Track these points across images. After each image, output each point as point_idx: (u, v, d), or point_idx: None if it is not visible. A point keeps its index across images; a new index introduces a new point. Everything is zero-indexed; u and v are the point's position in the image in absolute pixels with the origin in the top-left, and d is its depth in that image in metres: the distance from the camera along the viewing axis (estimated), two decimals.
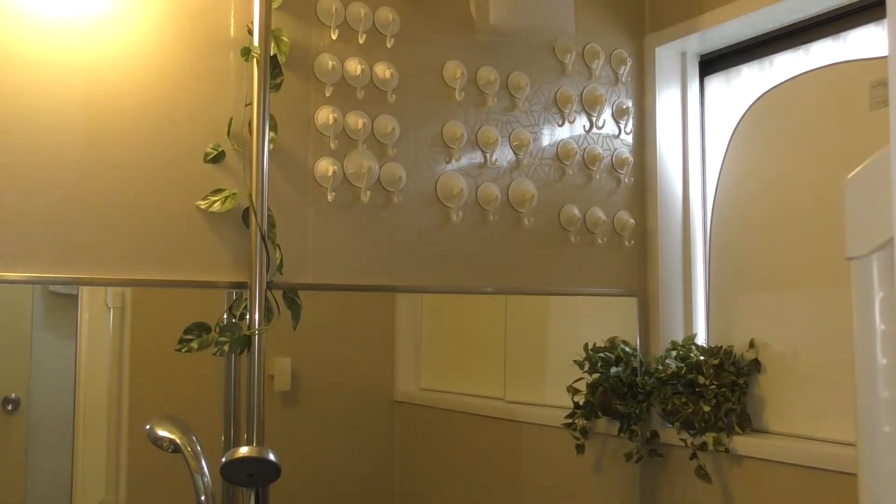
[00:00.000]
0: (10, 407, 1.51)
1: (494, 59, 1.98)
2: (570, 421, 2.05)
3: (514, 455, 2.22)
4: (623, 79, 2.18)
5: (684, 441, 1.96)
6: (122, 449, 1.65)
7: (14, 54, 1.49)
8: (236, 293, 1.62)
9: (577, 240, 2.07)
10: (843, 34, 1.95)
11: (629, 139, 2.19)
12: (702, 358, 2.00)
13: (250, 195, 1.61)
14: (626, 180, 2.16)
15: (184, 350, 1.50)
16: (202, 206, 1.61)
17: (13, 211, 1.47)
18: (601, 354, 2.07)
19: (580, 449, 2.04)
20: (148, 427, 1.52)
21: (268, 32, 1.63)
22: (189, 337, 1.52)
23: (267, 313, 1.60)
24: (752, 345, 1.97)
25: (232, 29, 1.66)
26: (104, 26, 1.56)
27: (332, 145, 1.74)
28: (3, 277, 1.45)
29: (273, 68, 1.64)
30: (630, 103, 2.19)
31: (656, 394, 2.00)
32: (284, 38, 1.68)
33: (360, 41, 1.78)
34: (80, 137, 1.52)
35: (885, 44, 1.74)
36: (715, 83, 2.25)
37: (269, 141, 1.63)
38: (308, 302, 1.69)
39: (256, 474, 1.45)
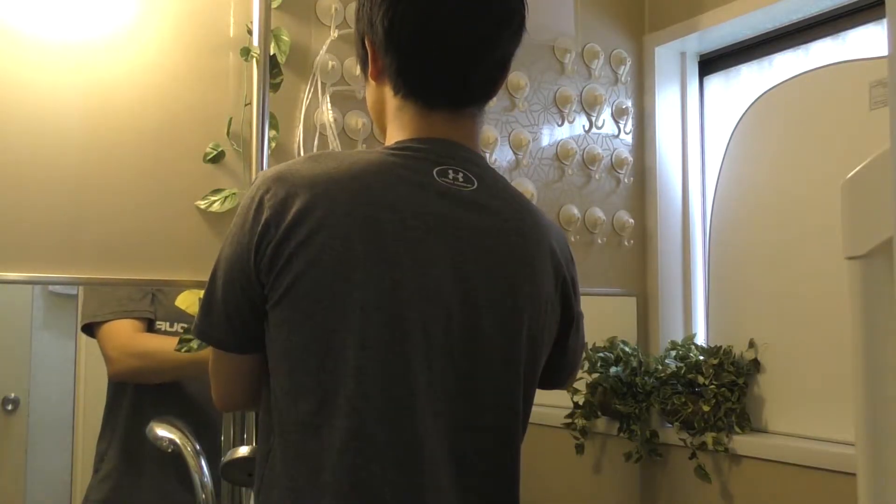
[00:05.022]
0: (10, 407, 1.51)
1: None
2: (570, 421, 2.05)
3: None
4: (622, 79, 2.18)
5: (684, 441, 1.96)
6: None
7: (14, 52, 1.49)
8: None
9: (576, 240, 2.07)
10: (842, 34, 1.95)
11: (628, 139, 2.19)
12: (701, 358, 2.01)
13: None
14: (626, 180, 2.17)
15: (183, 350, 1.50)
16: (202, 206, 1.61)
17: (13, 211, 1.47)
18: (600, 354, 2.07)
19: (580, 449, 2.04)
20: (148, 426, 1.53)
21: (267, 32, 1.63)
22: (189, 337, 1.52)
23: None
24: (751, 344, 1.97)
25: (231, 29, 1.66)
26: (103, 26, 1.56)
27: (333, 145, 1.74)
28: (3, 277, 1.45)
29: (272, 68, 1.64)
30: (629, 103, 2.19)
31: (656, 394, 2.00)
32: (284, 38, 1.67)
33: None
34: (79, 137, 1.52)
35: (884, 44, 1.74)
36: (714, 83, 2.25)
37: (271, 140, 1.63)
38: None
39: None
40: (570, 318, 1.16)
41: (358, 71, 1.24)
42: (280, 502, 0.99)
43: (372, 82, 1.12)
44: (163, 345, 1.57)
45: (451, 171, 1.05)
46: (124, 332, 1.56)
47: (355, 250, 0.97)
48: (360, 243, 0.97)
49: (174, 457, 1.51)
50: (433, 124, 1.07)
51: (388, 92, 1.10)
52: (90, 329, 1.55)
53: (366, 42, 1.10)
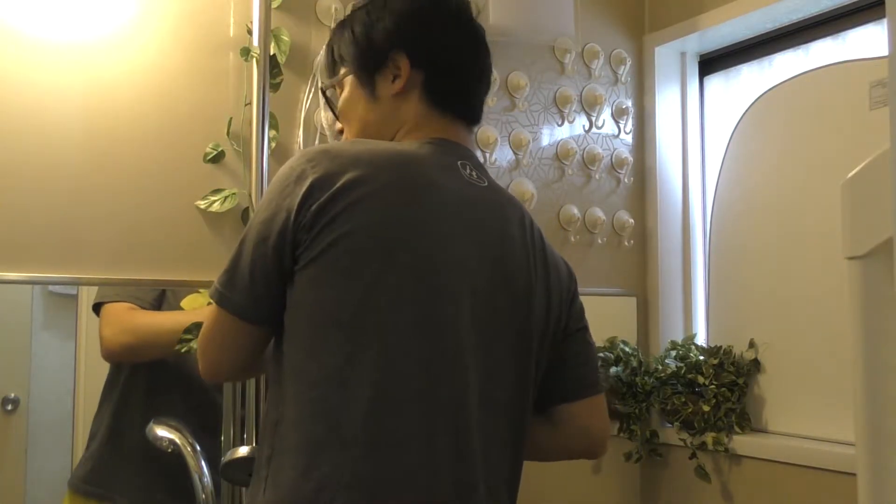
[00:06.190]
0: (10, 407, 1.51)
1: (494, 58, 1.92)
2: None
3: None
4: (622, 79, 2.18)
5: (684, 441, 1.96)
6: None
7: (14, 52, 1.49)
8: None
9: (576, 240, 2.07)
10: (842, 34, 1.95)
11: (629, 139, 2.19)
12: (701, 358, 2.00)
13: (250, 195, 1.61)
14: (626, 180, 2.17)
15: (183, 350, 1.50)
16: (202, 206, 1.61)
17: (13, 211, 1.47)
18: (601, 354, 2.07)
19: None
20: (148, 426, 1.53)
21: (267, 32, 1.63)
22: (189, 337, 1.52)
23: None
24: (751, 345, 1.97)
25: (231, 29, 1.66)
26: (103, 26, 1.56)
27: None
28: (3, 277, 1.45)
29: (273, 68, 1.64)
30: (629, 103, 2.19)
31: (656, 394, 2.00)
32: (284, 38, 1.68)
33: None
34: (79, 137, 1.52)
35: (884, 44, 1.74)
36: (714, 83, 2.25)
37: (271, 139, 1.63)
38: None
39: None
40: (575, 319, 1.23)
41: (323, 84, 1.30)
42: (296, 464, 1.00)
43: (385, 98, 1.18)
44: (154, 320, 1.57)
45: (468, 167, 1.15)
46: (120, 312, 1.56)
47: (397, 217, 1.05)
48: (402, 211, 1.05)
49: (159, 452, 1.52)
50: (451, 131, 1.18)
51: (410, 104, 1.18)
52: (98, 310, 1.55)
53: (400, 58, 1.17)
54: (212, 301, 1.11)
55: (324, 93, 1.31)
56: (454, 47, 1.19)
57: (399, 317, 1.03)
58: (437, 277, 1.05)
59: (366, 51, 1.19)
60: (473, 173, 1.15)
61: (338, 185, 1.03)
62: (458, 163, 1.14)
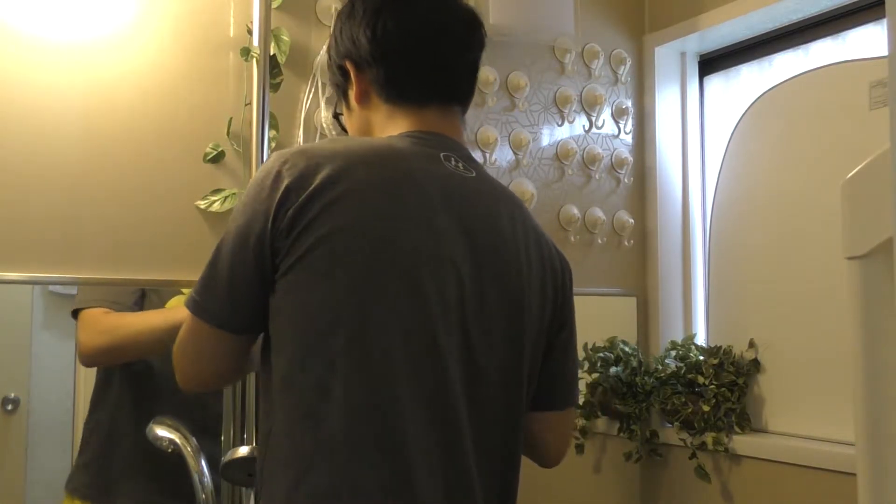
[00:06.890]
0: (10, 407, 1.51)
1: (494, 58, 1.98)
2: None
3: None
4: (622, 79, 2.18)
5: (684, 441, 1.96)
6: None
7: (14, 52, 1.49)
8: None
9: (576, 240, 2.07)
10: (842, 34, 1.95)
11: (629, 139, 2.19)
12: (701, 358, 2.01)
13: None
14: (626, 180, 2.17)
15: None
16: (202, 206, 1.61)
17: (13, 211, 1.47)
18: (600, 354, 2.07)
19: (580, 449, 2.04)
20: (148, 427, 1.53)
21: (267, 32, 1.63)
22: None
23: None
24: (751, 344, 1.97)
25: (231, 29, 1.66)
26: (103, 26, 1.56)
27: None
28: (3, 277, 1.45)
29: (273, 68, 1.64)
30: (629, 103, 2.19)
31: (656, 393, 2.00)
32: (284, 38, 1.68)
33: None
34: (79, 137, 1.52)
35: (884, 44, 1.74)
36: (714, 83, 2.25)
37: (271, 139, 1.63)
38: None
39: (256, 474, 1.45)
40: (563, 320, 1.20)
41: (335, 109, 1.31)
42: (286, 474, 0.99)
43: (355, 107, 1.18)
44: (130, 321, 1.55)
45: (453, 159, 1.12)
46: (96, 315, 1.54)
47: (376, 214, 1.02)
48: (382, 208, 1.03)
49: (159, 452, 1.51)
50: (426, 120, 1.14)
51: (375, 106, 1.16)
52: (77, 316, 1.55)
53: (347, 63, 1.16)
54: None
55: (337, 118, 1.31)
56: (396, 36, 1.13)
57: (381, 319, 1.00)
58: (420, 275, 1.02)
59: (333, 70, 1.21)
60: (459, 164, 1.11)
61: (314, 185, 1.00)
62: (441, 154, 1.10)
